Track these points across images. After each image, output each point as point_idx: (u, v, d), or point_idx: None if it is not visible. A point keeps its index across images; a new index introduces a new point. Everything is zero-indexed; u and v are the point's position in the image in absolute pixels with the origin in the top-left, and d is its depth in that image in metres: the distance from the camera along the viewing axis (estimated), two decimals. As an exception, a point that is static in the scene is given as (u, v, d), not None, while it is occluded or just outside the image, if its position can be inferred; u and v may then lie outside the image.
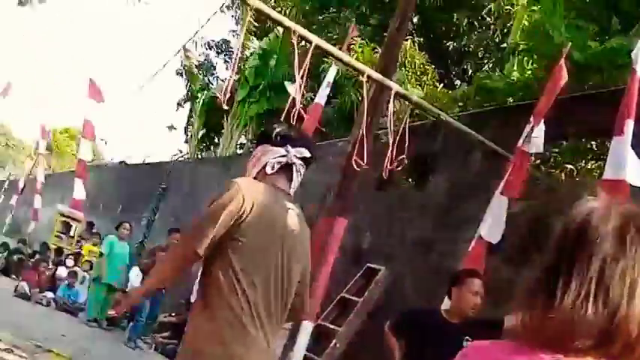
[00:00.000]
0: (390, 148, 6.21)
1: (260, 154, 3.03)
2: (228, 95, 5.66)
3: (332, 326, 8.15)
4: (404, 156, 6.21)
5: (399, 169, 6.40)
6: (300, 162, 3.05)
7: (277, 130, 3.05)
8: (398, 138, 6.25)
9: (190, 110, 23.99)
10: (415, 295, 7.87)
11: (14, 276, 15.48)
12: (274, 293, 2.79)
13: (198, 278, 2.84)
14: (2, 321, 8.99)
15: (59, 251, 16.51)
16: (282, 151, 3.00)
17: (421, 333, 4.42)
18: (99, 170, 23.08)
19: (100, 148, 39.95)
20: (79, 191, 13.54)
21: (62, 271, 13.96)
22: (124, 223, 12.29)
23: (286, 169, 3.03)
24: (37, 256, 16.32)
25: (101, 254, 11.85)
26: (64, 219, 18.70)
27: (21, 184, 23.93)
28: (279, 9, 17.67)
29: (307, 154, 3.06)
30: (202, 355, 2.66)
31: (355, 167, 6.18)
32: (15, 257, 16.72)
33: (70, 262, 14.36)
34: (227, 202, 2.70)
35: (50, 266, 14.93)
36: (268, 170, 2.99)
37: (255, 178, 2.99)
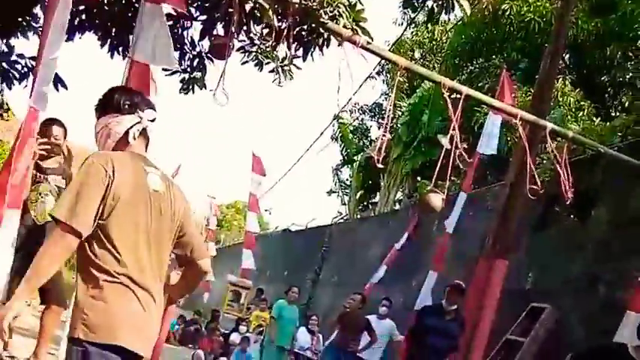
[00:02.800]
0: (561, 179, 6.12)
1: (112, 125, 2.94)
2: (382, 154, 5.80)
3: (498, 369, 7.96)
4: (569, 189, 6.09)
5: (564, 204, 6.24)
6: (151, 124, 3.02)
7: (122, 98, 2.97)
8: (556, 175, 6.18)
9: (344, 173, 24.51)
10: (583, 331, 7.50)
11: (190, 345, 16.42)
12: (146, 252, 2.80)
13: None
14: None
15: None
16: (135, 118, 2.96)
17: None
18: (265, 239, 23.89)
19: (265, 219, 41.49)
20: (248, 261, 14.23)
21: (235, 337, 14.46)
22: (292, 287, 12.61)
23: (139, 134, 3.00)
24: (211, 325, 17.10)
25: (272, 318, 12.19)
26: (234, 288, 19.45)
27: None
28: (429, 65, 17.88)
29: (155, 115, 3.04)
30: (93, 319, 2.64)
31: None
32: (192, 328, 17.78)
33: (242, 328, 14.87)
34: (97, 178, 2.68)
35: (222, 332, 15.68)
36: (131, 140, 2.95)
37: (114, 149, 2.93)
